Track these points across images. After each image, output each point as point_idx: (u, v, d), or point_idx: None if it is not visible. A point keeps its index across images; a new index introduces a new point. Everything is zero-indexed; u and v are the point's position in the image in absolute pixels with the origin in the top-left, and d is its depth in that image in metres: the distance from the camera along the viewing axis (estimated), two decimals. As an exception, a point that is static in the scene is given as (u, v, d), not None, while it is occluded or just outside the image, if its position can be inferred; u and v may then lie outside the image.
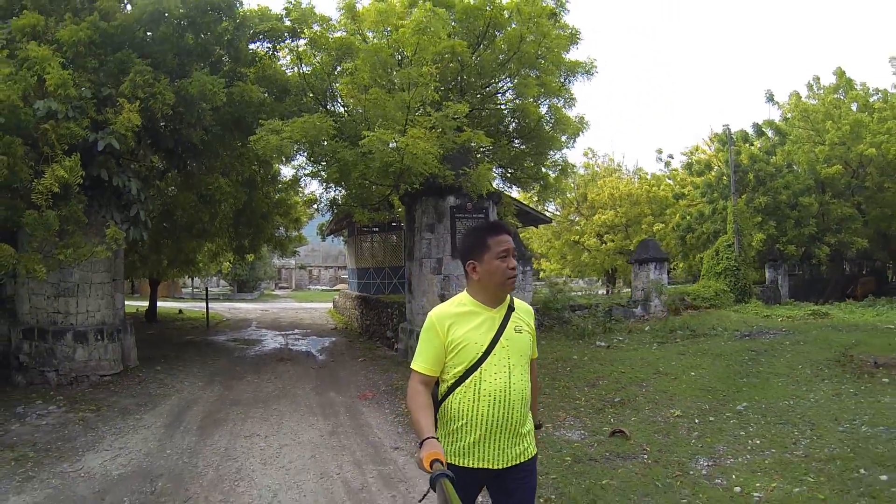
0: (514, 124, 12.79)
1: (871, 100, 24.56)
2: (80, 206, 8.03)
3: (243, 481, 5.07)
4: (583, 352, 10.80)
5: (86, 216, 8.25)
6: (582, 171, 27.55)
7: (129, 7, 9.27)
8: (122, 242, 8.74)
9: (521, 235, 28.05)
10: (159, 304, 19.73)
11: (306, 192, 16.48)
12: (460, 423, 2.43)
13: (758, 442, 5.65)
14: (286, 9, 10.98)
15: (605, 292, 24.83)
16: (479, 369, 2.42)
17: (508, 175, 13.89)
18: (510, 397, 2.43)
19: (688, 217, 23.21)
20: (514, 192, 16.17)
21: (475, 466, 2.44)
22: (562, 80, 12.81)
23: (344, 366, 11.07)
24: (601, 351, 10.81)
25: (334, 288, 40.39)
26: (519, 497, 2.52)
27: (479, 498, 2.70)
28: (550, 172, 13.83)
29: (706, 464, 5.18)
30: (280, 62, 11.90)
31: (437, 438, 2.27)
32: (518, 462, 2.49)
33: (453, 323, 2.47)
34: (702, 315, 14.18)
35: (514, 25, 11.52)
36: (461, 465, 2.43)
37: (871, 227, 23.72)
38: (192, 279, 30.18)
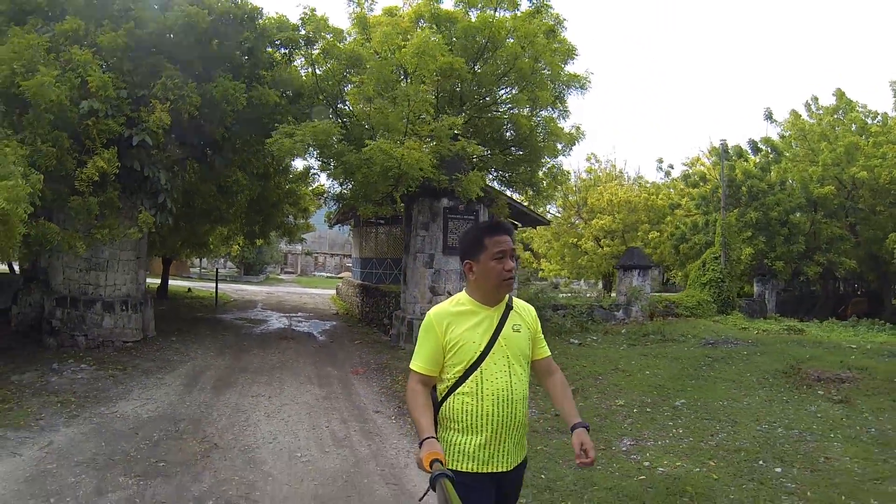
0: (509, 133, 13.99)
1: (871, 121, 25.42)
2: (115, 193, 9.35)
3: (250, 427, 6.40)
4: (555, 347, 11.91)
5: (120, 202, 9.57)
6: (585, 176, 28.80)
7: (165, 14, 10.52)
8: (152, 226, 10.03)
9: (521, 236, 29.30)
10: (169, 282, 21.02)
11: (315, 183, 17.71)
12: (465, 424, 2.47)
13: (680, 431, 6.70)
14: (302, 18, 12.16)
15: (601, 295, 25.96)
16: (479, 369, 2.47)
17: (505, 178, 15.14)
18: (513, 396, 2.49)
19: (682, 227, 24.29)
20: (515, 195, 17.32)
21: (480, 471, 2.47)
22: (557, 93, 13.99)
23: (341, 346, 12.44)
24: (572, 347, 11.95)
25: (339, 275, 41.41)
26: (514, 497, 2.66)
27: None
28: (544, 179, 15.06)
29: (629, 443, 6.35)
30: (295, 63, 13.15)
31: (437, 438, 2.33)
32: (518, 463, 2.57)
33: (451, 322, 2.52)
34: (679, 322, 15.28)
35: (511, 40, 12.72)
36: (466, 470, 2.45)
37: (863, 249, 24.60)
38: (201, 260, 31.59)
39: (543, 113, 13.56)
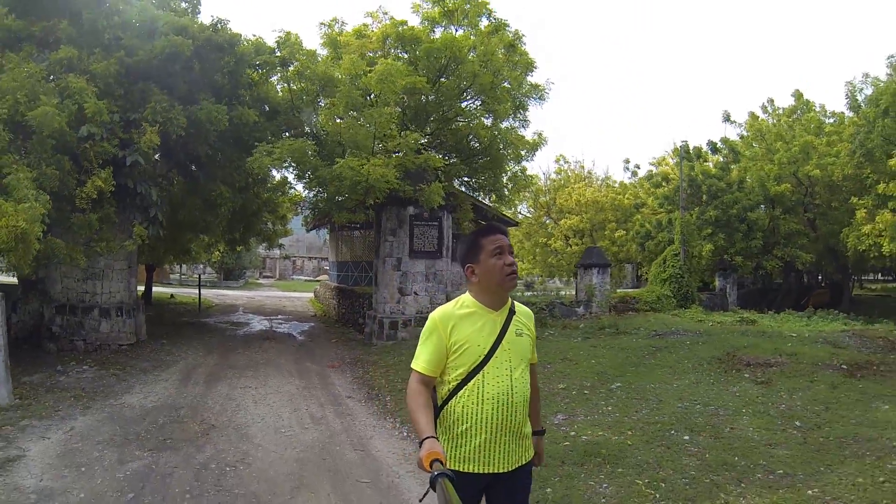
0: (473, 142, 15.28)
1: (829, 121, 27.02)
2: (111, 209, 10.50)
3: (241, 411, 7.66)
4: (512, 340, 13.32)
5: (116, 217, 10.73)
6: (555, 177, 30.29)
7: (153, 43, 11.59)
8: (145, 238, 11.19)
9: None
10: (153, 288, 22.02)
11: (292, 191, 18.85)
12: (465, 427, 2.53)
13: (609, 409, 7.75)
14: (277, 41, 13.40)
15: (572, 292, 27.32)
16: (481, 372, 2.54)
17: (470, 184, 16.51)
18: (513, 399, 2.56)
19: (646, 225, 25.77)
20: (486, 199, 18.64)
21: (481, 472, 2.55)
22: (519, 103, 15.40)
23: (319, 345, 13.74)
24: (528, 341, 13.26)
25: (316, 278, 42.26)
26: (520, 499, 2.72)
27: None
28: (508, 184, 16.44)
29: (562, 418, 7.49)
30: (272, 79, 14.32)
31: (437, 438, 2.34)
32: (520, 465, 2.64)
33: (456, 325, 2.57)
34: (637, 317, 16.60)
35: (473, 54, 14.05)
36: (466, 470, 2.53)
37: (822, 243, 26.08)
38: (181, 266, 32.62)
39: (504, 124, 14.92)
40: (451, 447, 2.56)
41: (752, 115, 27.98)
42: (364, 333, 14.38)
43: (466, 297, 2.69)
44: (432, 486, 2.06)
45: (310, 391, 9.05)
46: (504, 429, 2.54)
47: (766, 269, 25.17)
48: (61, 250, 9.49)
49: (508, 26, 15.08)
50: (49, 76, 10.27)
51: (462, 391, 2.55)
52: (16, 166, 8.72)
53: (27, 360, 10.27)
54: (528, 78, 15.59)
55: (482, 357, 2.55)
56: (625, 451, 6.10)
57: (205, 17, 12.44)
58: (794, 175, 25.06)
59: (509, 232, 29.27)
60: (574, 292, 18.91)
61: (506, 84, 14.64)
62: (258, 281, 44.04)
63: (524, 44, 15.44)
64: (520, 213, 28.20)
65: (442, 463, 2.15)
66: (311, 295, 28.80)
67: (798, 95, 27.63)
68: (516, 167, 16.46)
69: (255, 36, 13.25)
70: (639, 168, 31.46)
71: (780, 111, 28.02)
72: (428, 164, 12.51)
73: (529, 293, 19.78)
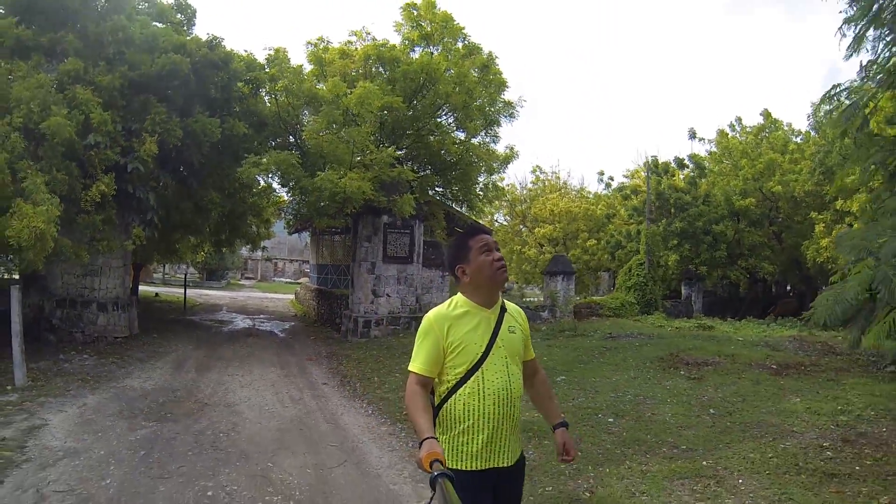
0: (445, 156, 16.67)
1: (796, 139, 28.62)
2: (113, 212, 11.67)
3: (230, 393, 8.95)
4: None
5: (116, 219, 11.92)
6: (531, 186, 31.73)
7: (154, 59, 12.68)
8: (143, 239, 12.36)
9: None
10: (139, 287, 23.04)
11: (275, 195, 20.00)
12: (467, 424, 2.59)
13: None
14: (267, 58, 14.70)
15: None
16: (480, 369, 2.61)
17: (442, 195, 17.93)
18: (511, 395, 2.64)
19: (616, 235, 27.22)
20: (461, 208, 19.99)
21: (486, 468, 2.61)
22: (492, 118, 16.86)
23: (299, 341, 15.06)
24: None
25: (297, 281, 42.98)
26: (517, 492, 2.81)
27: None
28: (479, 195, 17.86)
29: None
30: (261, 92, 15.52)
31: (437, 438, 2.37)
32: (518, 458, 2.74)
33: (451, 325, 2.64)
34: (600, 321, 17.93)
35: (450, 73, 15.43)
36: (471, 468, 2.59)
37: (786, 254, 27.51)
38: (164, 266, 33.63)
39: (475, 140, 16.35)
40: (455, 445, 2.63)
41: (722, 133, 29.59)
42: (341, 332, 15.72)
43: (459, 298, 2.78)
44: (432, 486, 2.09)
45: (290, 378, 10.36)
46: (505, 423, 2.63)
47: (730, 278, 26.60)
48: (68, 248, 10.64)
49: (482, 49, 16.50)
50: (58, 87, 11.31)
51: (462, 389, 2.62)
52: (31, 172, 9.86)
53: (30, 349, 11.19)
54: (503, 95, 17.04)
55: (480, 355, 2.63)
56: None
57: (199, 30, 13.63)
58: (759, 190, 26.54)
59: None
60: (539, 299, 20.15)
61: (478, 102, 16.03)
62: (240, 282, 45.02)
63: (497, 64, 16.87)
64: (496, 221, 29.62)
65: (442, 463, 2.18)
66: (292, 296, 29.88)
67: (766, 114, 29.25)
68: (488, 179, 17.89)
69: (246, 52, 14.54)
70: (612, 180, 33.08)
71: (749, 129, 29.57)
72: (401, 176, 13.90)
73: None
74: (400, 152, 15.33)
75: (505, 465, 2.65)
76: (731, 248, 26.31)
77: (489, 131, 16.96)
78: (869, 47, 7.24)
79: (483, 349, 2.63)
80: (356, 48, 16.81)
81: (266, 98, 15.39)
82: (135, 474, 5.57)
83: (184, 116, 12.51)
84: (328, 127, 13.45)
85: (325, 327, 18.00)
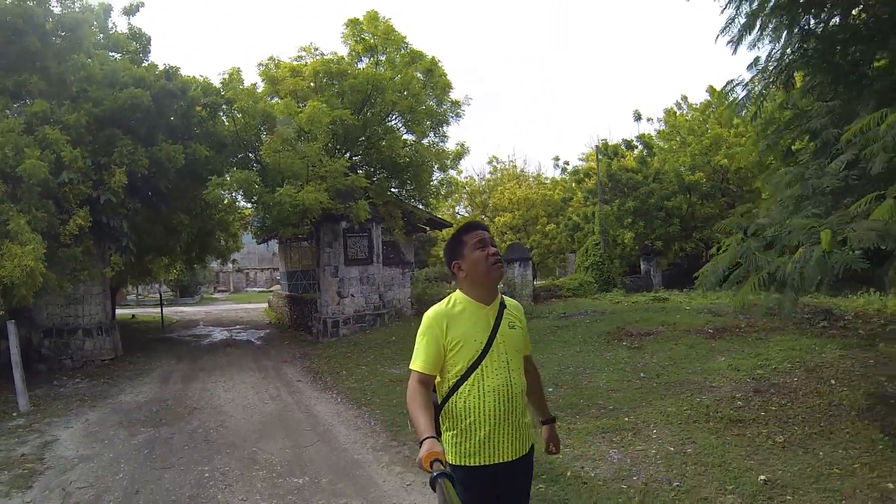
0: (397, 158, 17.95)
1: (742, 113, 30.01)
2: (90, 242, 12.66)
3: (214, 397, 10.19)
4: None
5: (94, 249, 12.94)
6: (490, 176, 33.07)
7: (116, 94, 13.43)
8: (120, 265, 13.38)
9: (433, 237, 33.35)
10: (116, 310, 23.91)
11: (240, 207, 20.94)
12: (468, 421, 2.66)
13: None
14: (222, 82, 15.71)
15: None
16: (480, 366, 2.67)
17: (401, 193, 19.22)
18: (512, 391, 2.70)
19: (574, 218, 28.61)
20: (420, 205, 21.22)
21: (487, 463, 2.68)
22: (440, 119, 18.16)
23: (274, 346, 16.32)
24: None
25: (269, 289, 43.34)
26: (522, 485, 2.88)
27: None
28: (434, 191, 19.20)
29: None
30: (220, 114, 16.52)
31: (437, 438, 2.38)
32: (523, 453, 2.79)
33: (451, 322, 2.71)
34: (558, 302, 19.17)
35: (396, 78, 16.68)
36: (472, 464, 2.68)
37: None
38: (137, 288, 34.33)
39: (424, 141, 17.70)
40: (457, 442, 2.70)
41: (670, 112, 31.02)
42: (313, 334, 17.03)
43: (457, 295, 2.82)
44: (432, 486, 2.10)
45: (268, 380, 11.63)
46: (506, 420, 2.68)
47: (686, 251, 27.96)
48: (53, 281, 11.65)
49: (424, 55, 17.74)
50: (28, 128, 12.07)
51: (463, 386, 2.67)
52: (13, 213, 10.84)
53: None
54: (450, 96, 18.32)
55: (480, 352, 2.68)
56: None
57: (155, 56, 14.57)
58: (708, 164, 27.91)
59: (443, 232, 32.20)
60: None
61: (424, 106, 17.33)
62: (213, 295, 45.53)
63: (442, 66, 18.11)
64: (458, 213, 30.85)
65: (442, 463, 2.19)
66: (266, 305, 30.73)
67: (713, 91, 30.52)
68: (443, 176, 19.23)
69: (202, 76, 15.43)
70: (568, 164, 34.17)
71: (696, 106, 30.94)
72: (355, 184, 15.16)
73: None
74: (355, 158, 16.61)
75: (507, 459, 2.72)
76: (685, 221, 27.68)
77: (437, 131, 18.33)
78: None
79: (483, 346, 2.70)
80: (306, 63, 17.95)
81: (224, 119, 16.27)
82: (142, 468, 6.77)
83: (148, 146, 13.35)
84: (283, 145, 14.61)
85: (298, 331, 19.20)
